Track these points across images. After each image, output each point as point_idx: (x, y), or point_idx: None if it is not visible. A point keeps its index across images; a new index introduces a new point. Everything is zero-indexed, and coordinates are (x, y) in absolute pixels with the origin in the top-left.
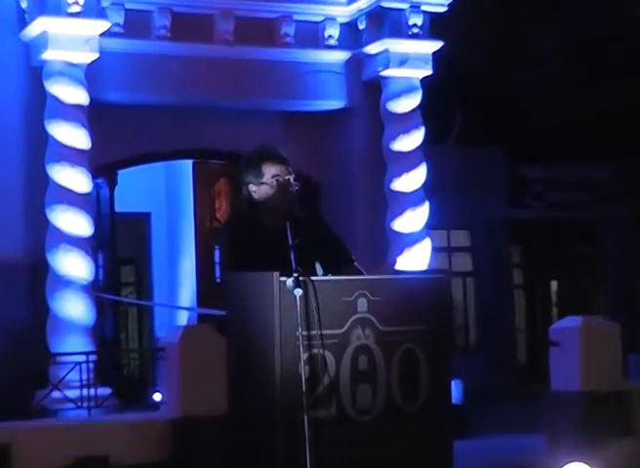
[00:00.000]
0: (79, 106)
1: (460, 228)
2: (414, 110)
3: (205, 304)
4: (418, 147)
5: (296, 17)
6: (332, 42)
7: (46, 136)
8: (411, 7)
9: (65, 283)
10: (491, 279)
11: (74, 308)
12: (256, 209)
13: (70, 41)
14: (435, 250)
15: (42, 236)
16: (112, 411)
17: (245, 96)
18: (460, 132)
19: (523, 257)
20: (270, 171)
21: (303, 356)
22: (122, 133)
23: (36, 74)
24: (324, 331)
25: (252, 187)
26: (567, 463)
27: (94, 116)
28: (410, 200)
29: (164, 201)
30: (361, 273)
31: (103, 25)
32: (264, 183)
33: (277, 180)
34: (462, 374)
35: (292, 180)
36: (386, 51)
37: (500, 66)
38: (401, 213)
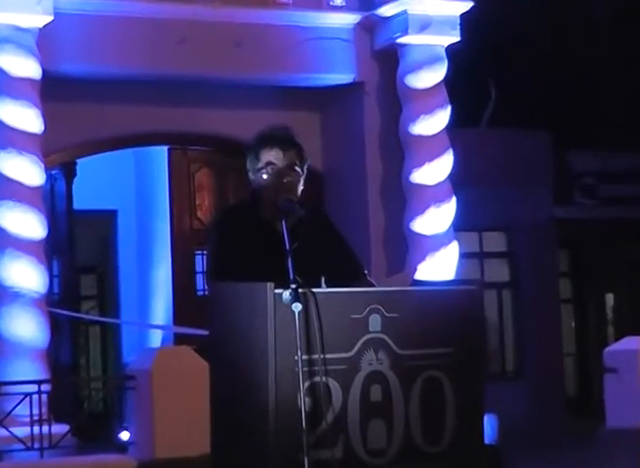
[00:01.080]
0: (29, 80)
1: (494, 229)
2: (438, 85)
3: (183, 322)
4: (443, 130)
5: None
6: (338, 2)
7: None
8: None
9: (13, 296)
10: (532, 291)
11: (24, 327)
12: (256, 201)
13: (18, 0)
14: (464, 255)
15: None
16: (70, 453)
17: (232, 67)
18: (494, 111)
19: (572, 265)
20: (267, 156)
21: (303, 385)
22: (82, 113)
23: None
24: (328, 355)
25: (251, 175)
26: None
27: (47, 92)
28: (433, 195)
29: (133, 196)
30: (373, 286)
31: None
32: (258, 169)
33: (271, 168)
34: (498, 408)
35: (294, 168)
36: (404, 13)
37: (545, 31)
38: (423, 210)
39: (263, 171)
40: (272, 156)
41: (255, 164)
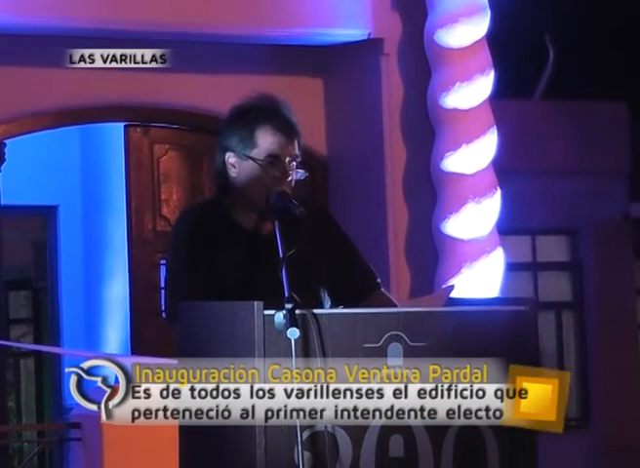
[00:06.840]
0: None
1: (552, 233)
2: (478, 43)
3: (144, 351)
4: (485, 102)
5: None
6: None
7: None
8: None
9: None
10: (601, 313)
11: None
12: (229, 195)
13: None
14: (513, 267)
15: None
16: None
17: (210, 19)
18: (552, 77)
19: None
20: (268, 141)
21: (302, 436)
22: (11, 79)
23: None
24: None
25: (230, 157)
26: None
27: None
28: (472, 187)
29: (79, 188)
30: (393, 304)
31: None
32: (253, 158)
33: (274, 161)
34: (556, 466)
35: (295, 165)
36: None
37: None
38: (458, 207)
39: (261, 162)
40: (278, 144)
41: (247, 146)
